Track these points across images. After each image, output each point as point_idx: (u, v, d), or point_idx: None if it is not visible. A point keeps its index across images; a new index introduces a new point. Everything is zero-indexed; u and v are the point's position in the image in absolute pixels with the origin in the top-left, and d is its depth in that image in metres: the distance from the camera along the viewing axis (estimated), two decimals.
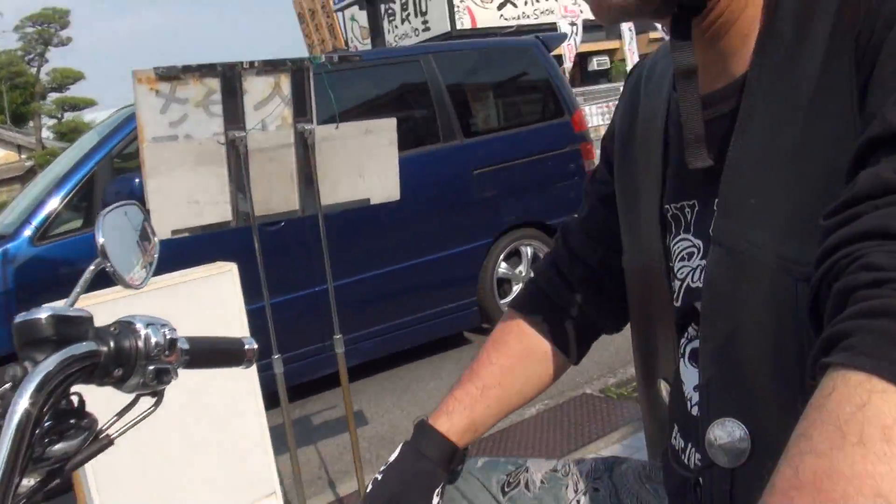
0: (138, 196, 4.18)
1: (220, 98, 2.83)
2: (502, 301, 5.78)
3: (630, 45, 20.68)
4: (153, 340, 0.97)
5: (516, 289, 5.92)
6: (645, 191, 1.02)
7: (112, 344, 0.95)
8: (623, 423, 3.89)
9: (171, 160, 2.72)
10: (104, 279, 1.13)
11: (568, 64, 16.37)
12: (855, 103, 0.71)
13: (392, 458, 1.13)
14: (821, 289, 0.62)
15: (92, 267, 1.12)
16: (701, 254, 0.90)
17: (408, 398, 4.84)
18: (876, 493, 0.45)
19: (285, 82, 2.96)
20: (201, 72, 2.78)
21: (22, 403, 0.80)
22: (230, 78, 2.84)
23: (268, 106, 2.93)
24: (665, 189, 0.98)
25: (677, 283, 0.94)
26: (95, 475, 2.34)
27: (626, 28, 20.42)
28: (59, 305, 0.97)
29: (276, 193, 2.94)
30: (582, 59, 19.44)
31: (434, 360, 5.49)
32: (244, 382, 2.59)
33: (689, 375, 0.94)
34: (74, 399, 0.96)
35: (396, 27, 24.86)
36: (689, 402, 0.94)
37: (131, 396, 1.03)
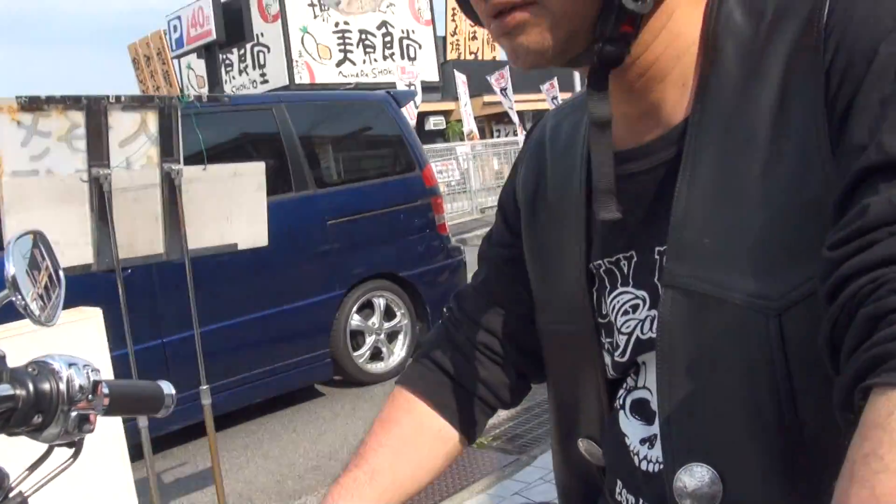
0: None
1: (85, 133, 2.69)
2: (355, 353, 5.73)
3: (465, 107, 21.31)
4: (76, 383, 0.88)
5: (370, 341, 5.88)
6: (563, 250, 0.99)
7: (31, 387, 0.85)
8: (486, 473, 3.90)
9: (31, 196, 2.55)
10: None
11: (411, 121, 16.62)
12: (823, 137, 0.73)
13: None
14: (839, 318, 0.62)
15: None
16: (648, 304, 0.89)
17: (262, 453, 4.68)
18: None
19: (152, 119, 2.85)
20: (65, 104, 2.64)
21: None
22: (95, 112, 2.71)
23: (133, 143, 2.82)
24: (592, 245, 0.96)
25: (622, 338, 0.91)
26: None
27: (462, 91, 21.05)
28: None
29: (140, 236, 2.81)
30: (419, 118, 19.78)
31: (287, 413, 5.35)
32: (108, 430, 2.43)
33: (633, 429, 0.92)
34: None
35: (234, 78, 24.56)
36: (636, 457, 0.91)
37: (42, 447, 0.93)
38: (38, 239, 1.06)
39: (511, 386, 1.13)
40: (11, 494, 0.87)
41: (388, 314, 6.05)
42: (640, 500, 0.91)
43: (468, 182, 18.41)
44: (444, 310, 1.18)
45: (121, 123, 2.78)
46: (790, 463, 0.77)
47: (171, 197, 2.85)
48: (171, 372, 4.24)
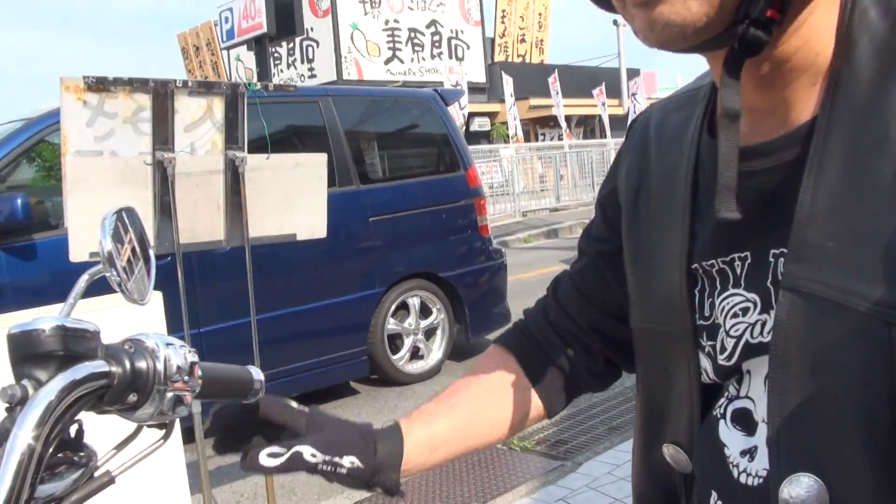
0: (20, 219, 3.92)
1: (150, 116, 2.68)
2: (394, 357, 5.71)
3: (511, 109, 21.27)
4: (174, 363, 0.85)
5: (408, 342, 5.85)
6: (664, 248, 0.97)
7: (127, 364, 0.82)
8: (530, 477, 3.85)
9: (94, 177, 2.55)
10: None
11: (460, 121, 16.64)
12: None
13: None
14: None
15: (86, 276, 0.99)
16: (759, 308, 0.85)
17: None
18: None
19: (218, 106, 2.84)
20: (132, 86, 2.64)
21: (23, 437, 0.68)
22: (162, 95, 2.70)
23: (199, 129, 2.80)
24: (696, 244, 0.93)
25: (731, 341, 0.88)
26: None
27: (509, 94, 21.00)
28: (56, 315, 0.84)
29: (200, 222, 2.80)
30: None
31: (329, 408, 5.32)
32: None
33: (733, 439, 0.90)
34: (72, 428, 0.83)
35: (282, 71, 24.73)
36: (734, 468, 0.89)
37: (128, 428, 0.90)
38: (131, 216, 1.03)
39: (597, 371, 1.14)
40: (98, 473, 0.84)
41: (424, 311, 6.00)
42: None
43: (511, 185, 18.37)
44: (546, 288, 1.20)
45: (187, 108, 2.77)
46: None
47: (234, 184, 2.84)
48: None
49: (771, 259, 0.83)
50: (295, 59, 24.56)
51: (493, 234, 7.18)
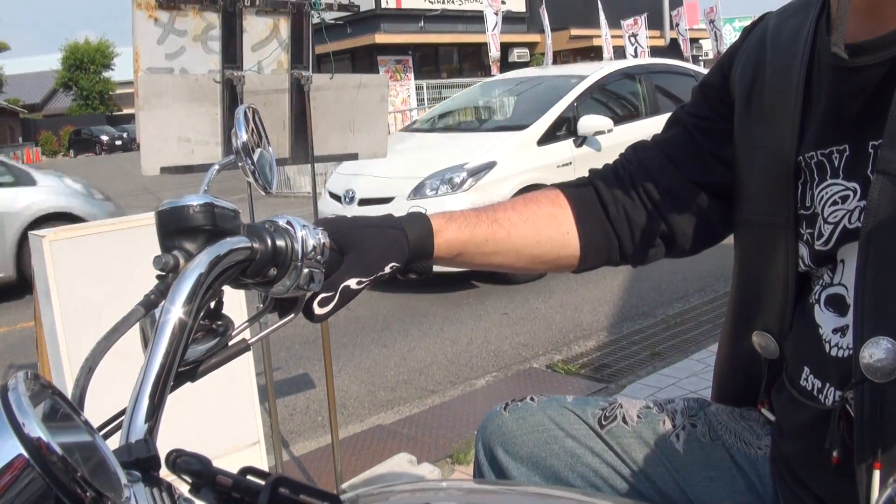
0: None
1: (220, 34, 2.72)
2: None
3: (549, 41, 20.94)
4: (310, 242, 0.92)
5: None
6: (774, 143, 1.03)
7: (269, 241, 0.89)
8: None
9: (165, 93, 2.61)
10: None
11: (494, 52, 16.45)
12: None
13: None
14: None
15: (217, 166, 1.05)
16: (858, 196, 0.92)
17: (353, 364, 4.81)
18: None
19: (284, 25, 2.87)
20: (202, 3, 2.67)
21: (175, 311, 0.74)
22: (231, 14, 2.74)
23: (265, 48, 2.85)
24: (803, 139, 0.99)
25: (828, 227, 0.95)
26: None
27: (547, 24, 20.64)
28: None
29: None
30: (503, 49, 19.52)
31: (376, 330, 5.46)
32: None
33: (826, 319, 0.97)
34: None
35: None
36: (826, 344, 0.96)
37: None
38: (257, 114, 1.08)
39: (648, 238, 1.18)
40: (233, 341, 0.90)
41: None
42: (827, 384, 0.96)
43: None
44: (619, 155, 1.24)
45: (254, 27, 2.81)
46: None
47: (299, 104, 2.89)
48: None
49: (871, 150, 0.90)
50: None
51: None
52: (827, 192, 0.95)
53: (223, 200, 0.89)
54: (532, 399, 1.23)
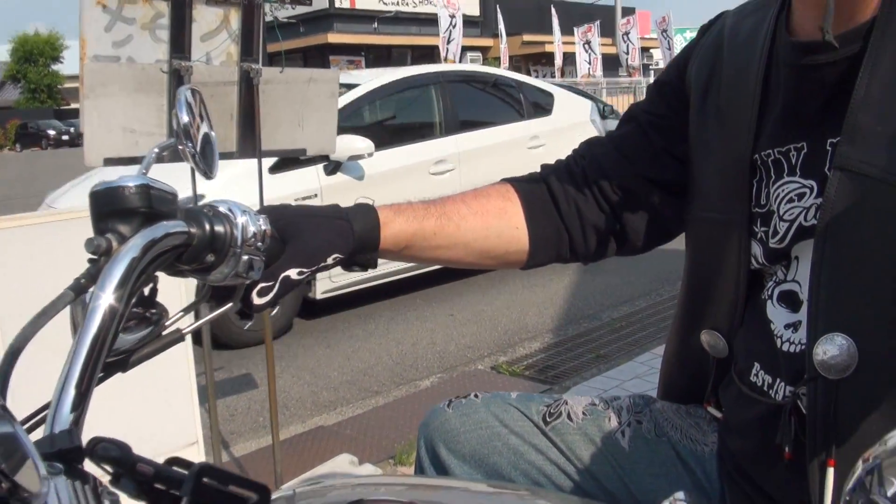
0: None
1: (168, 23, 2.67)
2: None
3: (504, 45, 21.03)
4: (250, 229, 0.89)
5: None
6: (729, 141, 1.03)
7: (207, 226, 0.86)
8: None
9: (111, 82, 2.55)
10: None
11: (452, 56, 16.49)
12: None
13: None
14: None
15: (156, 149, 1.02)
16: (815, 193, 0.93)
17: (296, 365, 4.77)
18: None
19: (235, 17, 2.83)
20: None
21: (105, 297, 0.70)
22: (181, 3, 2.68)
23: (215, 39, 2.80)
24: (760, 136, 1.00)
25: (783, 225, 0.96)
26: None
27: (502, 28, 20.74)
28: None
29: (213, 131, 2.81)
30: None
31: (319, 328, 5.42)
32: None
33: (779, 315, 0.98)
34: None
35: None
36: (778, 339, 0.97)
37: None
38: (199, 96, 1.05)
39: (600, 235, 1.18)
40: (167, 331, 0.87)
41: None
42: (778, 380, 0.97)
43: None
44: (572, 150, 1.23)
45: (204, 17, 2.77)
46: None
47: (248, 97, 2.85)
48: None
49: (828, 148, 0.91)
50: None
51: None
52: (783, 190, 0.96)
53: (162, 183, 0.86)
54: (476, 396, 1.22)
